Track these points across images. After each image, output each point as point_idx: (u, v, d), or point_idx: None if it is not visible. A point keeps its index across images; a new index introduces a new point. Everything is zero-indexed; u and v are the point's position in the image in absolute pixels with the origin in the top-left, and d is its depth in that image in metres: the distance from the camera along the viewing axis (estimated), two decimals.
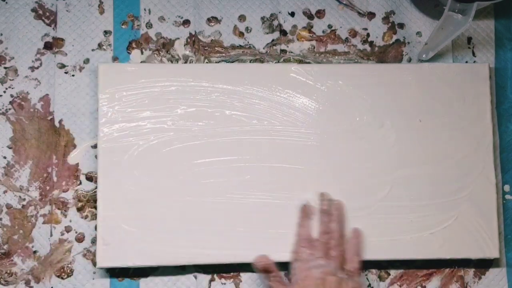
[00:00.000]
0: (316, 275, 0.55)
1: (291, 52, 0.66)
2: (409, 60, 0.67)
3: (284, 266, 0.63)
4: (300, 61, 0.66)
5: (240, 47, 0.66)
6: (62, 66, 0.64)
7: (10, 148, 0.63)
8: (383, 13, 0.67)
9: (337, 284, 0.55)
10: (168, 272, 0.62)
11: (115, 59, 0.65)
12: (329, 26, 0.67)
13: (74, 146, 0.63)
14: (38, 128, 0.63)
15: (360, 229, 0.60)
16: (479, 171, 0.63)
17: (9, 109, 0.63)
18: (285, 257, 0.60)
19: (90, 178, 0.63)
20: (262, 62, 0.65)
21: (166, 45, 0.65)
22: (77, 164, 0.63)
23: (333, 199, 0.61)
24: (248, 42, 0.66)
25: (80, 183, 0.63)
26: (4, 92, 0.63)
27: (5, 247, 0.61)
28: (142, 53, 0.65)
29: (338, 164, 0.62)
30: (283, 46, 0.66)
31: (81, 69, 0.64)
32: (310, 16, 0.67)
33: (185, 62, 0.65)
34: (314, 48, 0.66)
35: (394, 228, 0.61)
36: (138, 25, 0.65)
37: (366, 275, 0.63)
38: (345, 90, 0.63)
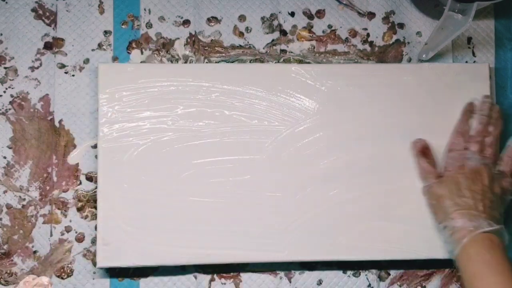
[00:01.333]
0: (472, 165, 0.57)
1: (291, 52, 0.66)
2: (409, 60, 0.67)
3: (284, 266, 0.63)
4: (300, 61, 0.66)
5: (240, 47, 0.66)
6: (62, 66, 0.64)
7: (10, 148, 0.63)
8: (383, 13, 0.67)
9: (490, 177, 0.57)
10: (168, 272, 0.62)
11: (115, 59, 0.65)
12: (329, 26, 0.67)
13: (74, 146, 0.63)
14: (38, 128, 0.63)
15: None
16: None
17: (9, 109, 0.63)
18: (285, 257, 0.60)
19: (90, 178, 0.63)
20: (262, 62, 0.65)
21: (166, 45, 0.65)
22: (77, 164, 0.63)
23: (494, 104, 0.62)
24: (248, 42, 0.66)
25: (80, 183, 0.63)
26: (4, 92, 0.63)
27: (5, 247, 0.61)
28: (142, 53, 0.65)
29: (338, 164, 0.62)
30: (283, 46, 0.66)
31: (81, 69, 0.64)
32: (310, 16, 0.67)
33: (185, 62, 0.65)
34: (314, 48, 0.66)
35: (394, 228, 0.61)
36: (138, 25, 0.65)
37: (366, 275, 0.63)
38: (345, 90, 0.63)
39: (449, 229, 0.55)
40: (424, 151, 0.61)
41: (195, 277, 0.62)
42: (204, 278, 0.62)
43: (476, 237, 0.53)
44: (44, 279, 0.40)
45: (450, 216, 0.55)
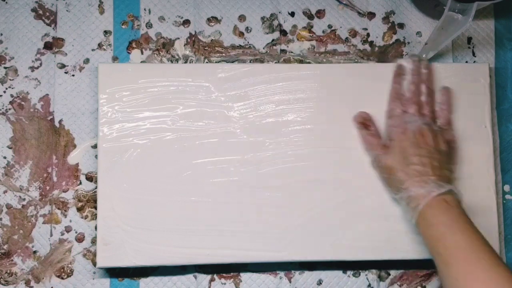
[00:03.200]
0: (413, 128, 0.57)
1: (291, 52, 0.66)
2: None
3: (284, 266, 0.63)
4: (300, 61, 0.66)
5: (240, 47, 0.66)
6: (62, 66, 0.64)
7: (10, 148, 0.63)
8: (383, 13, 0.67)
9: (433, 136, 0.57)
10: (168, 272, 0.62)
11: (115, 59, 0.65)
12: (329, 26, 0.67)
13: (74, 146, 0.63)
14: (38, 128, 0.63)
15: (447, 87, 0.62)
16: (479, 171, 0.63)
17: (9, 109, 0.63)
18: (285, 257, 0.60)
19: (90, 178, 0.63)
20: (262, 62, 0.65)
21: (166, 45, 0.65)
22: (77, 164, 0.63)
23: (422, 58, 0.62)
24: (248, 42, 0.66)
25: (80, 183, 0.63)
26: (4, 92, 0.63)
27: (5, 247, 0.61)
28: (142, 53, 0.65)
29: (339, 164, 0.62)
30: (283, 46, 0.66)
31: (81, 69, 0.64)
32: (310, 16, 0.67)
33: (185, 62, 0.65)
34: (314, 48, 0.66)
35: (394, 228, 0.61)
36: (138, 25, 0.65)
37: (366, 275, 0.63)
38: (345, 90, 0.63)
39: (404, 199, 0.56)
40: (365, 123, 0.61)
41: (195, 277, 0.62)
42: (204, 278, 0.62)
43: (431, 201, 0.53)
44: None
45: (403, 186, 0.55)
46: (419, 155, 0.56)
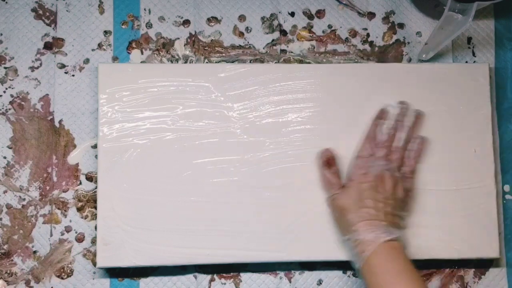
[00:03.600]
0: (375, 172, 0.57)
1: (291, 52, 0.66)
2: (409, 60, 0.67)
3: (284, 266, 0.63)
4: (300, 61, 0.66)
5: (240, 47, 0.66)
6: (62, 66, 0.64)
7: (10, 148, 0.63)
8: (383, 13, 0.67)
9: (393, 182, 0.57)
10: (168, 272, 0.62)
11: (115, 59, 0.65)
12: (329, 26, 0.67)
13: (74, 146, 0.63)
14: (38, 128, 0.63)
15: (426, 138, 0.62)
16: (479, 171, 0.63)
17: (9, 109, 0.63)
18: (285, 257, 0.60)
19: (90, 178, 0.63)
20: (262, 62, 0.65)
21: (166, 45, 0.65)
22: (77, 164, 0.63)
23: (407, 105, 0.62)
24: (248, 42, 0.66)
25: (80, 183, 0.63)
26: (4, 92, 0.63)
27: (5, 247, 0.61)
28: (142, 53, 0.65)
29: (338, 164, 0.61)
30: (283, 46, 0.66)
31: (81, 69, 0.64)
32: (310, 16, 0.67)
33: (185, 62, 0.65)
34: (314, 48, 0.66)
35: None
36: (138, 25, 0.65)
37: None
38: (345, 90, 0.63)
39: (352, 241, 0.55)
40: (329, 162, 0.60)
41: (195, 277, 0.62)
42: (204, 278, 0.62)
43: (378, 247, 0.53)
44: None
45: (353, 228, 0.55)
46: (375, 199, 0.56)
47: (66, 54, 0.64)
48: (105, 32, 0.65)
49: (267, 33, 0.66)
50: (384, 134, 0.61)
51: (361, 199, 0.56)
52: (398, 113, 0.62)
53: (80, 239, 0.62)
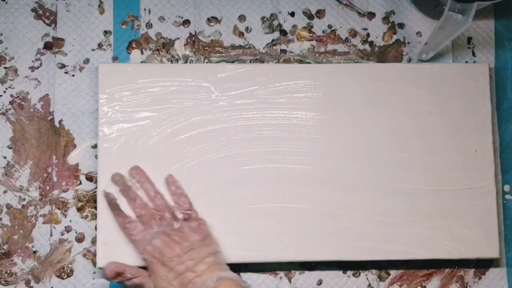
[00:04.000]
0: (157, 244, 0.54)
1: (291, 52, 0.66)
2: (409, 60, 0.67)
3: (283, 266, 0.63)
4: (300, 61, 0.66)
5: (240, 47, 0.66)
6: (62, 66, 0.64)
7: (10, 148, 0.63)
8: (383, 13, 0.67)
9: (180, 237, 0.54)
10: None
11: (115, 59, 0.65)
12: (329, 26, 0.67)
13: (74, 146, 0.63)
14: (38, 128, 0.63)
15: (170, 174, 0.59)
16: (479, 171, 0.63)
17: (9, 109, 0.63)
18: (285, 257, 0.60)
19: (90, 178, 0.63)
20: (262, 62, 0.65)
21: (166, 45, 0.65)
22: (77, 164, 0.63)
23: (123, 174, 0.59)
24: (248, 42, 0.66)
25: (80, 183, 0.63)
26: (4, 92, 0.63)
27: (5, 247, 0.61)
28: (142, 53, 0.65)
29: (339, 164, 0.62)
30: (283, 46, 0.66)
31: (81, 69, 0.64)
32: (310, 16, 0.67)
33: (185, 62, 0.65)
34: (314, 48, 0.66)
35: (394, 228, 0.61)
36: (138, 25, 0.65)
37: (366, 275, 0.63)
38: (345, 90, 0.63)
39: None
40: (116, 275, 0.54)
41: None
42: None
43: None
44: None
45: None
46: (181, 262, 0.53)
47: (66, 54, 0.64)
48: (105, 32, 0.65)
49: (267, 33, 0.66)
50: (133, 210, 0.57)
51: (171, 271, 0.53)
52: (119, 189, 0.58)
53: (80, 239, 0.62)
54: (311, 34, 0.67)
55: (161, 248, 0.54)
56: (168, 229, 0.55)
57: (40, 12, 0.65)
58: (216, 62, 0.65)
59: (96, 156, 0.62)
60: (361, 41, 0.67)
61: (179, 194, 0.58)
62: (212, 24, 0.66)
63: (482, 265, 0.64)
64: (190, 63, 0.65)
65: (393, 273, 0.64)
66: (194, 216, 0.57)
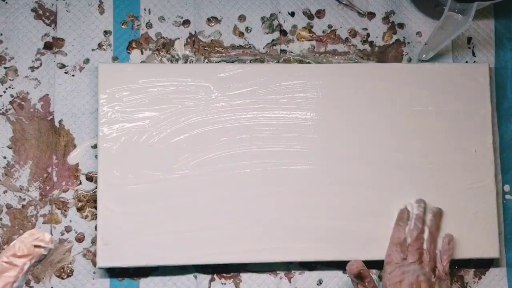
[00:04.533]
0: (410, 280, 0.56)
1: (291, 52, 0.66)
2: (409, 60, 0.67)
3: (284, 266, 0.63)
4: (300, 61, 0.66)
5: (240, 47, 0.66)
6: (62, 66, 0.64)
7: (10, 148, 0.63)
8: (383, 13, 0.67)
9: None
10: (168, 272, 0.62)
11: (115, 59, 0.65)
12: (329, 26, 0.67)
13: (74, 146, 0.63)
14: (38, 128, 0.63)
15: (452, 235, 0.60)
16: (479, 171, 0.63)
17: (9, 109, 0.63)
18: (285, 257, 0.60)
19: (90, 178, 0.63)
20: (262, 62, 0.65)
21: (166, 45, 0.65)
22: (77, 164, 0.63)
23: (428, 206, 0.61)
24: (248, 42, 0.66)
25: (80, 183, 0.63)
26: (4, 92, 0.63)
27: (5, 247, 0.61)
28: (142, 53, 0.65)
29: (339, 164, 0.62)
30: (283, 46, 0.66)
31: (81, 69, 0.64)
32: (310, 16, 0.67)
33: (185, 62, 0.65)
34: (314, 48, 0.66)
35: None
36: (138, 25, 0.65)
37: None
38: (345, 90, 0.63)
39: None
40: (361, 274, 0.56)
41: (195, 277, 0.62)
42: (204, 278, 0.62)
43: None
44: (47, 236, 0.40)
45: None
46: None
47: (66, 54, 0.64)
48: (105, 32, 0.65)
49: (267, 33, 0.66)
50: (410, 236, 0.59)
51: None
52: (417, 213, 0.60)
53: (80, 239, 0.62)
54: (311, 34, 0.67)
55: (410, 286, 0.55)
56: (424, 275, 0.56)
57: (40, 12, 0.65)
58: (216, 62, 0.65)
59: (96, 156, 0.62)
60: (361, 41, 0.67)
61: (448, 255, 0.59)
62: (212, 24, 0.66)
63: (482, 265, 0.64)
64: (190, 63, 0.65)
65: None
66: (447, 282, 0.58)
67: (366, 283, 0.56)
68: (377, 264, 0.63)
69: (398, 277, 0.56)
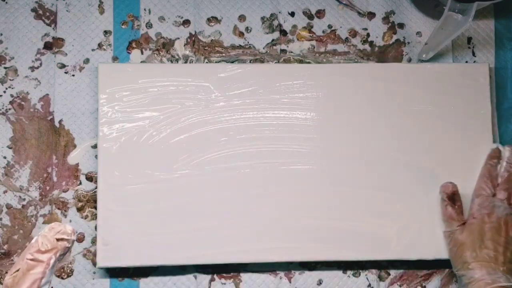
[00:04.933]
0: (499, 214, 0.57)
1: (291, 52, 0.66)
2: (409, 60, 0.67)
3: (284, 266, 0.63)
4: (300, 61, 0.66)
5: (240, 47, 0.66)
6: (62, 66, 0.64)
7: (10, 148, 0.63)
8: (383, 13, 0.67)
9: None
10: (168, 272, 0.62)
11: (115, 59, 0.65)
12: (329, 26, 0.67)
13: (74, 146, 0.63)
14: (38, 128, 0.63)
15: None
16: (479, 171, 0.63)
17: (9, 109, 0.63)
18: (285, 257, 0.60)
19: (90, 178, 0.63)
20: (262, 62, 0.65)
21: (166, 45, 0.65)
22: (77, 164, 0.63)
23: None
24: (248, 42, 0.66)
25: (80, 183, 0.63)
26: (4, 92, 0.63)
27: (5, 247, 0.61)
28: (142, 53, 0.65)
29: (338, 165, 0.62)
30: (283, 46, 0.66)
31: (81, 69, 0.64)
32: (310, 16, 0.67)
33: (185, 62, 0.65)
34: (314, 48, 0.66)
35: (395, 228, 0.61)
36: (138, 25, 0.65)
37: (366, 275, 0.63)
38: (345, 90, 0.63)
39: (466, 278, 0.55)
40: (453, 196, 0.60)
41: (195, 277, 0.62)
42: (204, 278, 0.62)
43: None
44: (68, 228, 0.40)
45: (469, 266, 0.55)
46: (496, 241, 0.55)
47: (66, 54, 0.64)
48: (105, 32, 0.65)
49: (267, 33, 0.66)
50: (502, 176, 0.60)
51: (481, 239, 0.56)
52: (508, 156, 0.61)
53: (80, 239, 0.62)
54: (311, 34, 0.67)
55: (496, 220, 0.56)
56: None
57: (40, 12, 0.65)
58: (216, 62, 0.65)
59: (96, 156, 0.62)
60: (361, 41, 0.67)
61: None
62: (212, 24, 0.66)
63: None
64: (190, 63, 0.65)
65: (393, 273, 0.64)
66: None
67: (457, 206, 0.59)
68: (377, 264, 0.63)
69: (487, 209, 0.57)
